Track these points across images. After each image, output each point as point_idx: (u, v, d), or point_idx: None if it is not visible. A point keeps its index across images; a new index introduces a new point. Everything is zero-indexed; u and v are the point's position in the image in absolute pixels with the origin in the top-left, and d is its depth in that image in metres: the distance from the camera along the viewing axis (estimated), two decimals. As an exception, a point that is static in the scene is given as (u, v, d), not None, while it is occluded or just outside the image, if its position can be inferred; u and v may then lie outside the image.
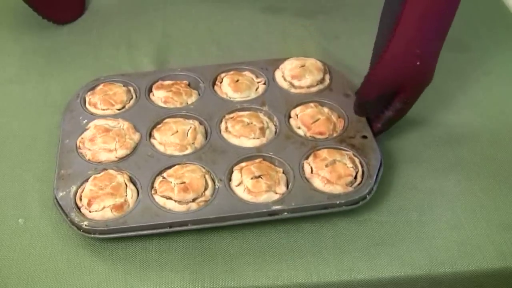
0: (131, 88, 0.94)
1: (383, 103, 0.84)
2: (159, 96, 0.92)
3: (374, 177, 0.79)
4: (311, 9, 1.18)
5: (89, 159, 0.83)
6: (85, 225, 0.74)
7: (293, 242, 0.76)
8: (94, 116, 0.89)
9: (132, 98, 0.93)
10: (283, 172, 0.81)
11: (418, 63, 0.78)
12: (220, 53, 1.07)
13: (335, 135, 0.86)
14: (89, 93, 0.93)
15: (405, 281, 0.74)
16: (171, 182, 0.78)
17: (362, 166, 0.81)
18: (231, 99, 0.92)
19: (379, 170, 0.80)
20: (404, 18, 0.78)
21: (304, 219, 0.78)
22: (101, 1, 1.18)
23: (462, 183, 0.83)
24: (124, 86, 0.94)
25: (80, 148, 0.85)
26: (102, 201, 0.76)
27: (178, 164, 0.81)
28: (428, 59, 0.80)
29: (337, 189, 0.78)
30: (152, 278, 0.72)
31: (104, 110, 0.90)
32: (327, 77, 0.95)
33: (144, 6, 1.17)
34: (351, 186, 0.79)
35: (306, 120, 0.87)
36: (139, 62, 1.04)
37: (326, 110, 0.89)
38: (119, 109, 0.91)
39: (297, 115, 0.89)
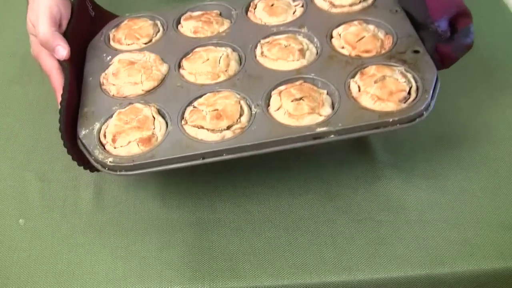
0: (158, 22, 0.89)
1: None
2: (188, 27, 0.87)
3: (431, 92, 0.71)
4: None
5: (113, 95, 0.78)
6: (110, 162, 0.70)
7: (293, 240, 0.76)
8: (118, 52, 0.84)
9: (159, 31, 0.88)
10: (327, 94, 0.74)
11: None
12: None
13: (383, 52, 0.78)
14: (113, 30, 0.89)
15: (404, 281, 0.74)
16: (202, 111, 0.72)
17: (416, 82, 0.73)
18: (267, 24, 0.86)
19: (435, 84, 0.73)
20: None
21: (304, 215, 0.78)
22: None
23: (462, 182, 0.83)
24: (150, 20, 0.89)
25: (103, 85, 0.80)
26: (128, 135, 0.71)
27: (210, 92, 0.75)
28: None
29: (389, 106, 0.71)
30: (152, 277, 0.72)
31: (129, 45, 0.86)
32: None
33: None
34: (404, 102, 0.72)
35: (350, 38, 0.80)
36: None
37: (371, 27, 0.83)
38: (145, 43, 0.86)
39: (339, 35, 0.82)
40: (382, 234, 0.77)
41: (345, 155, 0.87)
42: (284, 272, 0.73)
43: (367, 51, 0.79)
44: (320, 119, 0.71)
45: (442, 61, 0.81)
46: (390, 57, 0.77)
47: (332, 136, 0.69)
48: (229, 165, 0.85)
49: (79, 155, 0.74)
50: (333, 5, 0.87)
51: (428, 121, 0.92)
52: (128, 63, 0.80)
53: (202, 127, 0.71)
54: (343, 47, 0.81)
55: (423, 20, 0.79)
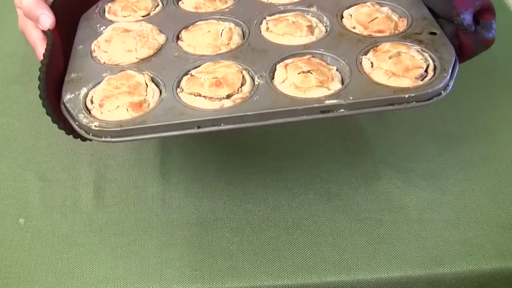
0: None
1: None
2: (189, 3, 0.84)
3: (450, 71, 0.67)
4: None
5: (104, 62, 0.73)
6: (95, 126, 0.64)
7: (293, 240, 0.76)
8: (112, 23, 0.81)
9: (158, 6, 0.85)
10: (336, 70, 0.70)
11: None
12: None
13: (397, 33, 0.75)
14: (109, 3, 0.86)
15: (404, 281, 0.74)
16: (200, 78, 0.67)
17: (433, 61, 0.69)
18: (273, 3, 0.82)
19: (454, 65, 0.69)
20: None
21: (304, 214, 0.78)
22: None
23: (462, 182, 0.83)
24: None
25: (94, 52, 0.76)
26: (117, 99, 0.66)
27: (210, 62, 0.71)
28: None
29: (404, 82, 0.66)
30: (152, 276, 0.72)
31: (125, 16, 0.82)
32: None
33: None
34: (421, 80, 0.68)
35: (362, 19, 0.76)
36: None
37: (385, 9, 0.80)
38: (143, 16, 0.82)
39: (351, 15, 0.79)
40: (382, 233, 0.77)
41: (345, 155, 0.87)
42: (284, 271, 0.73)
43: (380, 31, 0.76)
44: (329, 92, 0.66)
45: (461, 49, 0.79)
46: (405, 37, 0.73)
47: (342, 110, 0.64)
48: (229, 165, 0.85)
49: (64, 121, 0.69)
50: None
51: (427, 121, 0.92)
52: (123, 31, 0.76)
53: (200, 95, 0.67)
54: (354, 27, 0.77)
55: (447, 12, 0.77)
